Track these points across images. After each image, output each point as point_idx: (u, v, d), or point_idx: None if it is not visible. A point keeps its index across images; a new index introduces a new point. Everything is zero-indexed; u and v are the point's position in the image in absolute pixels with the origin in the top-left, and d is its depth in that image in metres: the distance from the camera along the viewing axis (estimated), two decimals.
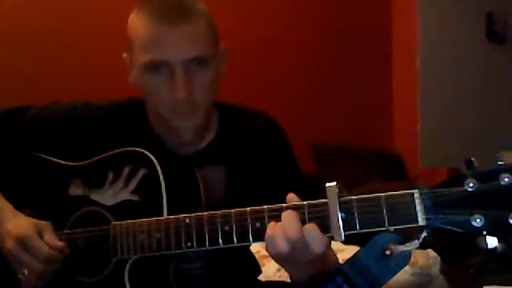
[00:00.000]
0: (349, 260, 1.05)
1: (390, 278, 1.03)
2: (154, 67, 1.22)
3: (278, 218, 1.05)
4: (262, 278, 1.51)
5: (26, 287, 1.24)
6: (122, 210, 1.23)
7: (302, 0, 3.67)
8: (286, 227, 1.02)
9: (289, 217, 1.03)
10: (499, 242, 0.92)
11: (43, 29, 2.72)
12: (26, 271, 1.21)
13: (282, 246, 1.02)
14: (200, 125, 1.30)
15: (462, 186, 0.94)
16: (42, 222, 1.24)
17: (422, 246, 1.04)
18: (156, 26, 1.22)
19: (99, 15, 2.86)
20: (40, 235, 1.22)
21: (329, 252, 1.17)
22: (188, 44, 1.22)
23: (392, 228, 0.99)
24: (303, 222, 1.03)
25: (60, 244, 1.23)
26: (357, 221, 1.00)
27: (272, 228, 1.04)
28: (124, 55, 1.32)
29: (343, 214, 1.01)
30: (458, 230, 0.95)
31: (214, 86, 1.28)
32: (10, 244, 1.22)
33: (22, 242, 1.21)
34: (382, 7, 4.00)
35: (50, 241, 1.22)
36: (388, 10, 4.02)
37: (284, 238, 1.02)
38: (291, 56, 3.54)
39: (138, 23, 1.25)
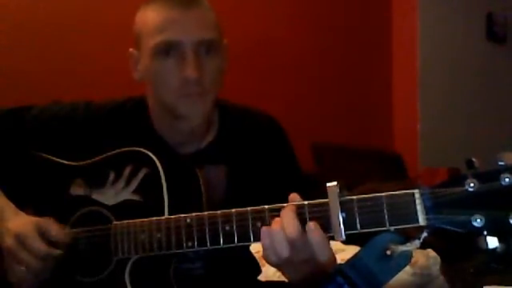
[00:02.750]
0: (349, 260, 1.05)
1: (391, 278, 1.03)
2: (165, 50, 1.24)
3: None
4: (261, 278, 1.51)
5: (24, 286, 1.24)
6: (123, 209, 1.23)
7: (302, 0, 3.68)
8: (285, 227, 1.03)
9: (288, 216, 1.03)
10: (499, 242, 0.92)
11: (44, 29, 2.72)
12: (23, 269, 1.22)
13: (282, 249, 1.03)
14: (205, 115, 1.30)
15: (463, 186, 0.94)
16: (44, 220, 1.25)
17: (422, 246, 1.04)
18: (169, 10, 1.25)
19: (100, 15, 2.86)
20: (42, 232, 1.22)
21: None
22: (199, 27, 1.25)
23: (393, 228, 1.00)
24: (304, 222, 1.03)
25: (67, 237, 1.24)
26: (357, 221, 1.00)
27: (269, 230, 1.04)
28: (130, 50, 1.33)
29: (344, 214, 1.01)
30: (459, 230, 0.95)
31: (220, 78, 1.29)
32: (9, 242, 1.23)
33: (20, 240, 1.21)
34: (382, 7, 4.00)
35: (57, 234, 1.22)
36: (388, 10, 4.03)
37: (284, 239, 1.02)
38: (291, 56, 3.54)
39: (148, 13, 1.27)
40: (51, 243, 1.22)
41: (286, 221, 1.03)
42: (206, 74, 1.24)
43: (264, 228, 1.05)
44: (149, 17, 1.27)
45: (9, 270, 1.24)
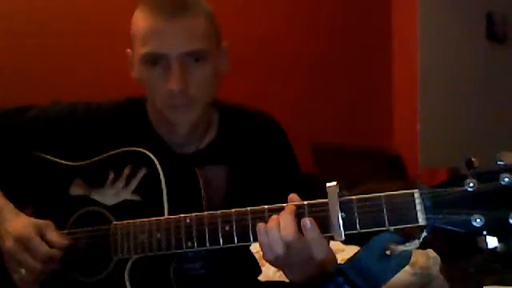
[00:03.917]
0: (349, 260, 1.05)
1: (391, 277, 1.03)
2: (152, 60, 1.23)
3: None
4: (261, 278, 1.51)
5: (24, 287, 1.24)
6: (123, 209, 1.23)
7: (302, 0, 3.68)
8: (282, 228, 1.03)
9: (285, 218, 1.04)
10: (499, 241, 0.92)
11: (44, 29, 2.72)
12: (23, 271, 1.21)
13: (278, 248, 1.03)
14: (196, 121, 1.29)
15: (462, 185, 0.94)
16: (43, 222, 1.24)
17: (422, 246, 1.04)
18: (154, 19, 1.22)
19: (100, 15, 2.86)
20: (41, 235, 1.22)
21: None
22: (185, 38, 1.22)
23: (392, 228, 1.00)
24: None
25: (65, 242, 1.23)
26: (357, 220, 1.01)
27: (266, 232, 1.05)
28: (128, 51, 1.32)
29: (343, 214, 1.01)
30: (458, 229, 0.95)
31: (212, 83, 1.28)
32: (8, 244, 1.22)
33: (21, 242, 1.21)
34: (382, 7, 4.00)
35: (54, 239, 1.22)
36: (388, 10, 4.03)
37: (280, 238, 1.03)
38: (291, 56, 3.55)
39: (139, 17, 1.26)
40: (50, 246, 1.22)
41: (284, 223, 1.03)
42: (193, 84, 1.23)
43: (261, 225, 1.05)
44: (138, 22, 1.25)
45: (9, 271, 1.24)
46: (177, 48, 1.21)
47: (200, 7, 1.27)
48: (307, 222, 1.03)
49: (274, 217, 1.05)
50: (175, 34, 1.22)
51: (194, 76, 1.23)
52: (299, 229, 1.03)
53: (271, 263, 1.11)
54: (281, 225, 1.03)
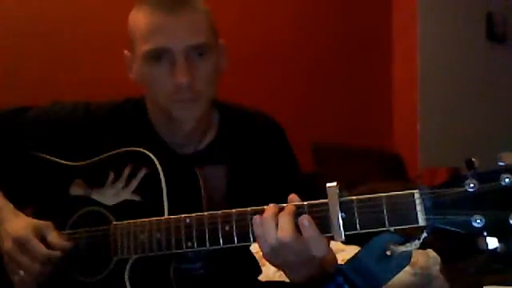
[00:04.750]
0: (349, 260, 1.05)
1: (391, 278, 1.03)
2: (156, 56, 1.23)
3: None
4: (262, 278, 1.51)
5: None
6: (123, 209, 1.23)
7: (302, 0, 3.68)
8: (279, 229, 1.03)
9: (284, 220, 1.04)
10: (499, 242, 0.92)
11: (44, 29, 2.72)
12: (22, 272, 1.21)
13: (271, 240, 1.03)
14: (200, 118, 1.30)
15: (463, 186, 0.94)
16: (43, 223, 1.24)
17: (422, 246, 1.04)
18: (157, 15, 1.23)
19: (100, 15, 2.86)
20: (40, 236, 1.22)
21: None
22: (189, 31, 1.22)
23: (392, 228, 1.00)
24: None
25: (65, 244, 1.23)
26: (357, 221, 1.01)
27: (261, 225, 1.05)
28: (125, 52, 1.32)
29: (343, 214, 1.01)
30: (459, 230, 0.95)
31: (215, 80, 1.28)
32: (8, 245, 1.22)
33: (19, 243, 1.21)
34: (382, 7, 4.00)
35: (55, 240, 1.22)
36: (388, 10, 4.03)
37: (275, 237, 1.03)
38: (291, 56, 3.54)
39: (139, 16, 1.25)
40: (49, 247, 1.22)
41: (281, 224, 1.03)
42: (199, 78, 1.23)
43: (257, 217, 1.05)
44: (138, 21, 1.25)
45: (9, 271, 1.24)
46: (181, 42, 1.21)
47: (198, 4, 1.27)
48: (305, 220, 1.03)
49: (271, 205, 1.06)
50: (179, 28, 1.22)
51: (199, 70, 1.23)
52: (298, 229, 1.03)
53: (271, 262, 1.11)
54: (278, 226, 1.03)
